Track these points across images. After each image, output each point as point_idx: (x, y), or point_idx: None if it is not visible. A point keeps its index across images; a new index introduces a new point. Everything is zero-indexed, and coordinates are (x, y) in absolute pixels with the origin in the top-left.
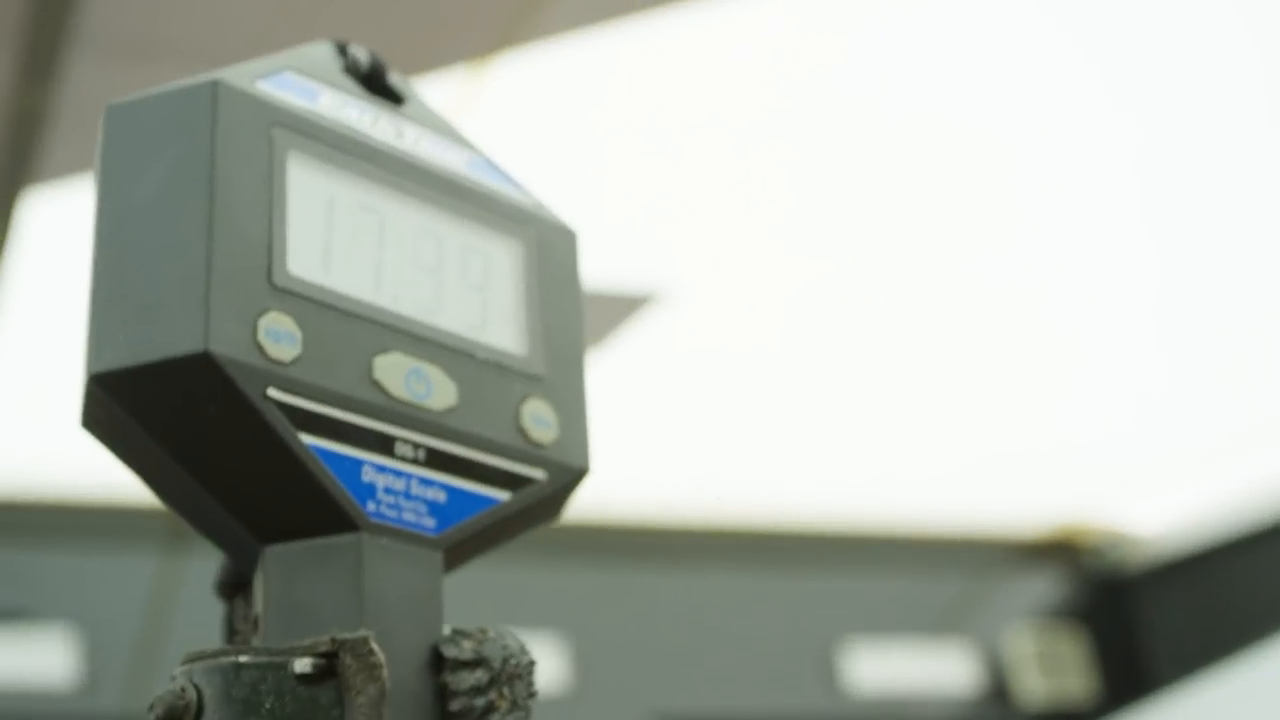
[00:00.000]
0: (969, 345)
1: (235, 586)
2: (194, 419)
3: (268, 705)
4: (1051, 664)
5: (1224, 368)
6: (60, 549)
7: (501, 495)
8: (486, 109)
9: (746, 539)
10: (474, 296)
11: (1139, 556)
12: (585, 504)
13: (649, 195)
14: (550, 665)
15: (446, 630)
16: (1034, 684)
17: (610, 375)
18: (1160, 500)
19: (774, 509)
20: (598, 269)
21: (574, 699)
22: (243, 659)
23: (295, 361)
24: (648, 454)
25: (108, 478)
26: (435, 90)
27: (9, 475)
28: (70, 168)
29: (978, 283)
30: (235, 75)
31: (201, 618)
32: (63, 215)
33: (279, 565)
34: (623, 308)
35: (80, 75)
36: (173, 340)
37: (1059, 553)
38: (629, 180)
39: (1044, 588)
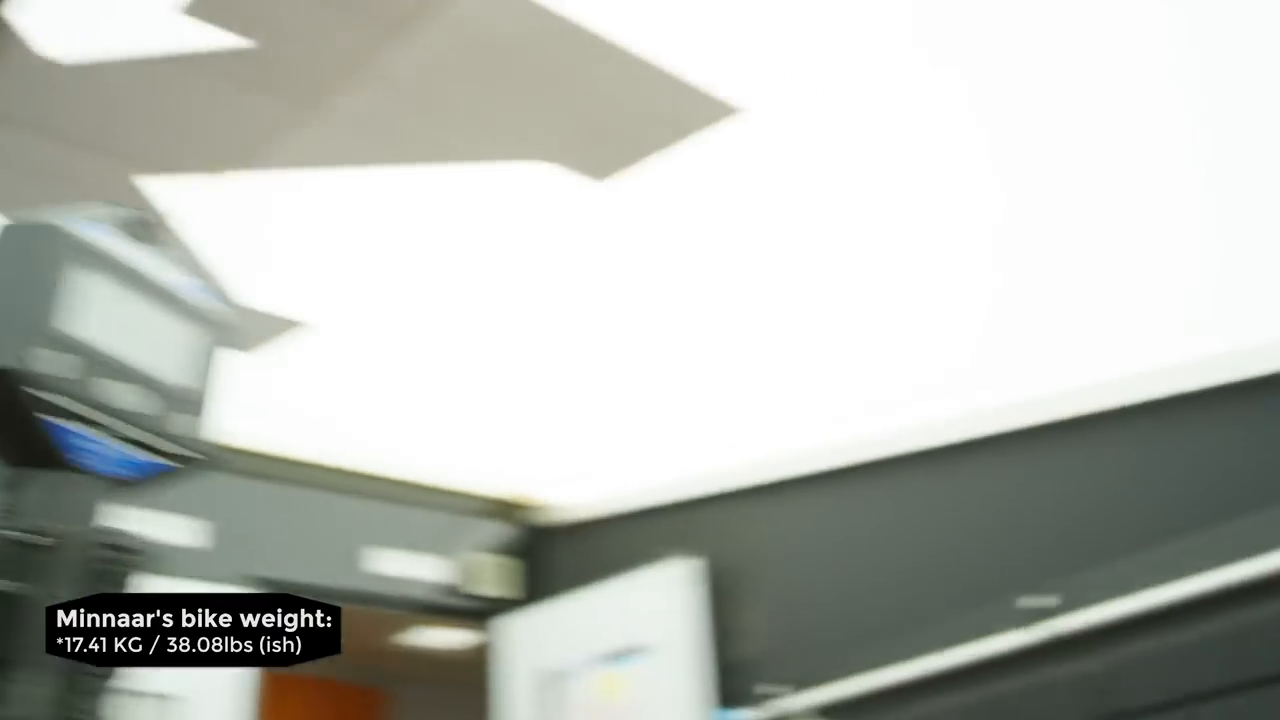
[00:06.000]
0: (504, 344)
1: None
2: None
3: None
4: (498, 575)
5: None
6: None
7: (159, 462)
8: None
9: (316, 471)
10: (171, 353)
11: (555, 517)
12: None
13: (302, 248)
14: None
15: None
16: (487, 585)
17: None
18: (572, 484)
19: (357, 451)
20: (258, 296)
21: (206, 559)
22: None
23: (53, 376)
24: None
25: None
26: (177, 190)
27: None
28: None
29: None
30: (60, 218)
31: None
32: None
33: (16, 479)
34: (277, 326)
35: None
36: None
37: (510, 509)
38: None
39: (500, 529)
